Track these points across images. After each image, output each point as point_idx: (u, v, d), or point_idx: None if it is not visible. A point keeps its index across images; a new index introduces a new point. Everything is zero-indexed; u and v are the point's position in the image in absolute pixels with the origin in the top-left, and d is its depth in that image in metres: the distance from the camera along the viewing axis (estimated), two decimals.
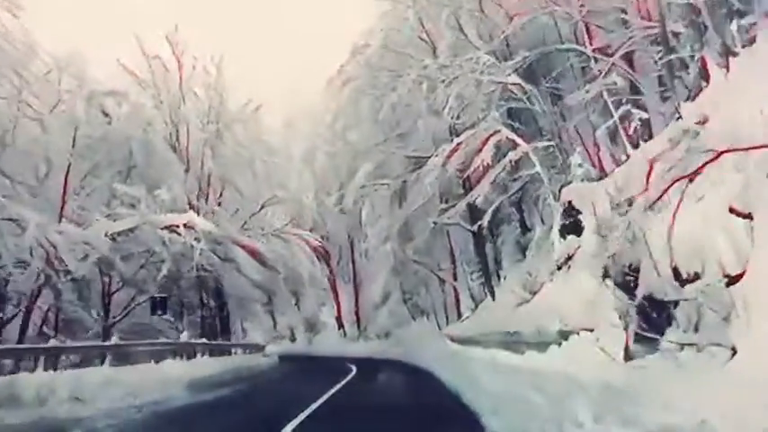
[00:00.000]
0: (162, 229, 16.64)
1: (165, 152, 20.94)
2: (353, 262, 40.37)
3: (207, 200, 22.05)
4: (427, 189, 20.90)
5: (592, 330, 9.39)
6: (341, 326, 41.60)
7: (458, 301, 29.78)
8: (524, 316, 13.92)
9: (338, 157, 27.15)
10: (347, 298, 42.05)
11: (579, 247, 15.68)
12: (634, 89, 18.38)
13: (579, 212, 16.71)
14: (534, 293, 16.82)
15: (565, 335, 9.72)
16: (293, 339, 45.53)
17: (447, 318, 32.55)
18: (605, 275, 10.24)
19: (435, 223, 24.51)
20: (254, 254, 19.87)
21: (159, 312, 17.21)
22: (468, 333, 20.18)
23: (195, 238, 17.05)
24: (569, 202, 16.96)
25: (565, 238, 16.50)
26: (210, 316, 22.94)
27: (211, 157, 22.08)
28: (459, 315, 29.64)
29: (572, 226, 16.80)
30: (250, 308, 26.68)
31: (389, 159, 25.26)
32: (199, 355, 16.00)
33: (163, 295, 17.42)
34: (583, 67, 20.77)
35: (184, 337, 14.57)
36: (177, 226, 16.91)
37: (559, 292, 13.93)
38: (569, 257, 15.83)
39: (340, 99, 26.06)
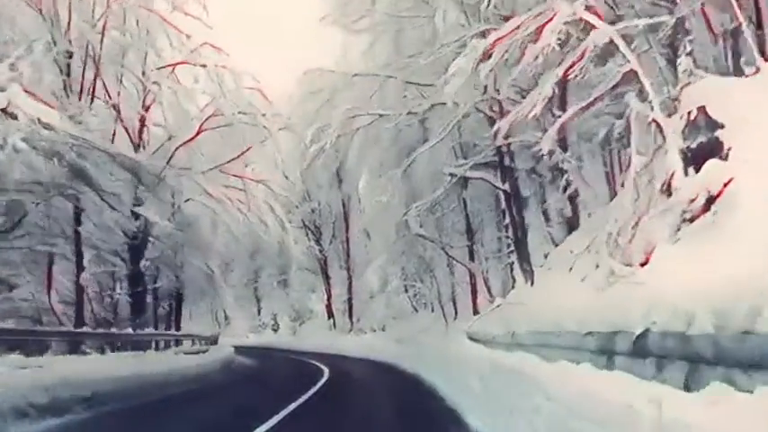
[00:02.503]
0: None
1: (17, 7, 12.96)
2: (347, 240, 32.79)
3: (92, 98, 14.03)
4: (448, 105, 13.27)
5: None
6: (330, 315, 34.09)
7: (474, 288, 22.25)
8: (650, 304, 6.33)
9: (323, 90, 19.22)
10: (340, 284, 34.57)
11: (732, 179, 8.13)
12: None
13: (718, 126, 9.16)
14: (629, 266, 9.26)
15: None
16: (276, 329, 38.09)
17: (456, 310, 25.17)
18: None
19: (452, 176, 16.90)
20: (140, 177, 12.17)
21: None
22: (500, 331, 12.60)
23: (19, 131, 9.20)
24: (702, 113, 9.35)
25: (695, 171, 8.92)
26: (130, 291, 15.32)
27: (100, 33, 13.72)
28: (475, 306, 22.13)
29: (703, 150, 9.24)
30: (204, 283, 19.05)
31: (391, 89, 17.67)
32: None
33: None
34: None
35: None
36: None
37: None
38: (712, 198, 8.26)
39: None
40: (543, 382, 6.44)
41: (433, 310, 27.25)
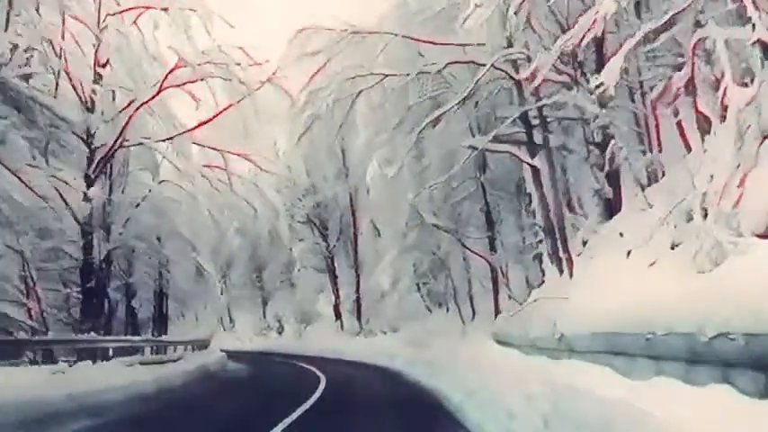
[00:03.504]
0: None
1: None
2: (355, 237, 30.03)
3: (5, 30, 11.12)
4: (468, 66, 10.51)
5: None
6: (338, 317, 31.35)
7: (496, 284, 19.45)
8: None
9: (319, 51, 16.41)
10: (348, 283, 31.84)
11: None
12: None
13: None
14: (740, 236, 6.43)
15: None
16: (281, 331, 35.43)
17: (473, 309, 22.38)
18: None
19: (474, 149, 14.11)
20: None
21: None
22: (540, 333, 9.78)
23: None
24: None
25: None
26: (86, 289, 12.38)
27: None
28: (497, 304, 19.33)
29: None
30: (194, 282, 16.37)
31: (401, 52, 14.98)
32: None
33: None
34: None
35: None
36: None
37: None
38: None
39: None
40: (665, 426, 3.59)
41: (448, 310, 24.48)
